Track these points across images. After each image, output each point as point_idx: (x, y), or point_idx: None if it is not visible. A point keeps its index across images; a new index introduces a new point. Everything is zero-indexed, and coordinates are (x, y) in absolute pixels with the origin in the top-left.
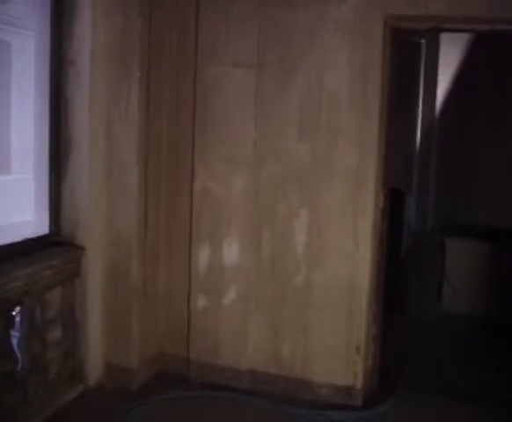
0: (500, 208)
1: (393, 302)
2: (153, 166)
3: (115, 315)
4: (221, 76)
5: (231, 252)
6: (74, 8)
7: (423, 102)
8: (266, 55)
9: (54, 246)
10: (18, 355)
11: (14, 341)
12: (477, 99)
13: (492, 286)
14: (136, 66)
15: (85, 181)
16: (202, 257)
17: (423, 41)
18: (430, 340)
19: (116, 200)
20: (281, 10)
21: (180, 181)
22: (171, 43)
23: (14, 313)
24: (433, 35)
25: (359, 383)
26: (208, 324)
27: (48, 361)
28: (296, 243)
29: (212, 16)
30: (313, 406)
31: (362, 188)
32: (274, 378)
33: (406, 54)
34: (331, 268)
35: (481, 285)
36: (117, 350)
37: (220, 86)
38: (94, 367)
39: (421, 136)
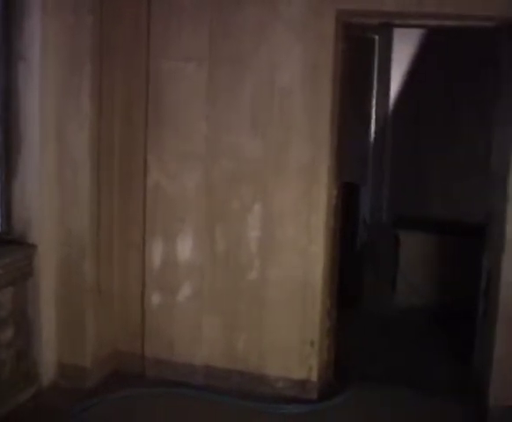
0: (453, 202)
1: (349, 296)
2: (105, 163)
3: (69, 314)
4: (173, 72)
5: (185, 249)
6: (24, 3)
7: (377, 97)
8: (218, 51)
9: (6, 245)
10: None
11: None
12: (429, 95)
13: (444, 277)
14: (88, 62)
15: (36, 178)
16: (156, 254)
17: (377, 37)
18: (385, 333)
19: (68, 198)
20: (233, 5)
21: (133, 178)
22: (124, 39)
23: None
24: (386, 31)
25: (314, 377)
26: (162, 321)
27: (0, 362)
28: (249, 239)
29: (164, 11)
30: (268, 400)
31: (314, 184)
32: (230, 373)
33: (360, 49)
34: (284, 264)
35: (434, 277)
36: (71, 349)
37: (172, 82)
38: (48, 367)
39: (375, 131)
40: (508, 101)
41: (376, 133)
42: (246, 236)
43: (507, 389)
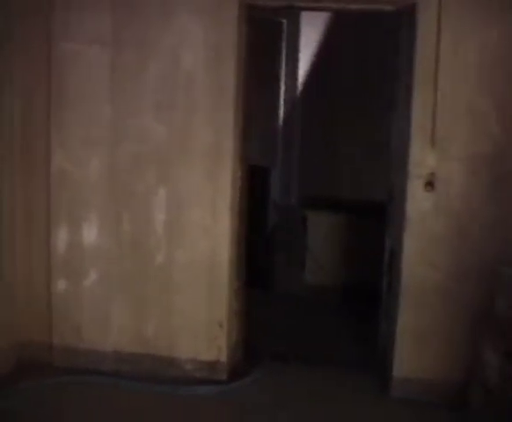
0: (361, 182)
1: (259, 277)
2: (6, 149)
3: None
4: (76, 55)
5: (91, 234)
6: None
7: (286, 80)
8: (122, 34)
9: None
10: None
11: None
12: (338, 78)
13: (352, 256)
14: None
15: None
16: (61, 240)
17: (284, 21)
18: (295, 313)
19: None
20: None
21: (37, 163)
22: (25, 21)
23: None
24: (293, 15)
25: (223, 358)
26: (69, 308)
27: None
28: (155, 222)
29: None
30: (179, 382)
31: (219, 166)
32: (139, 357)
33: (267, 33)
34: (191, 246)
35: (342, 256)
36: None
37: (75, 65)
38: None
39: (285, 114)
40: (406, 84)
41: (285, 116)
42: (153, 219)
43: (409, 360)
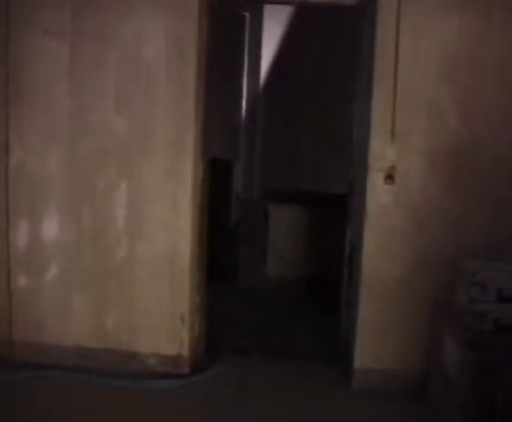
0: (322, 175)
1: (222, 270)
2: None
3: None
4: (34, 47)
5: (51, 228)
6: None
7: (248, 74)
8: (81, 25)
9: None
10: None
11: None
12: (300, 72)
13: (314, 248)
14: None
15: None
16: (21, 234)
17: (247, 14)
18: (258, 306)
19: None
20: None
21: None
22: None
23: None
24: (256, 8)
25: (185, 351)
26: (30, 304)
27: None
28: (116, 217)
29: None
30: (141, 377)
31: (180, 159)
32: (101, 352)
33: (230, 26)
34: (152, 240)
35: (304, 248)
36: None
37: (34, 57)
38: None
39: (247, 108)
40: (366, 78)
41: (247, 109)
42: (113, 213)
43: (370, 351)
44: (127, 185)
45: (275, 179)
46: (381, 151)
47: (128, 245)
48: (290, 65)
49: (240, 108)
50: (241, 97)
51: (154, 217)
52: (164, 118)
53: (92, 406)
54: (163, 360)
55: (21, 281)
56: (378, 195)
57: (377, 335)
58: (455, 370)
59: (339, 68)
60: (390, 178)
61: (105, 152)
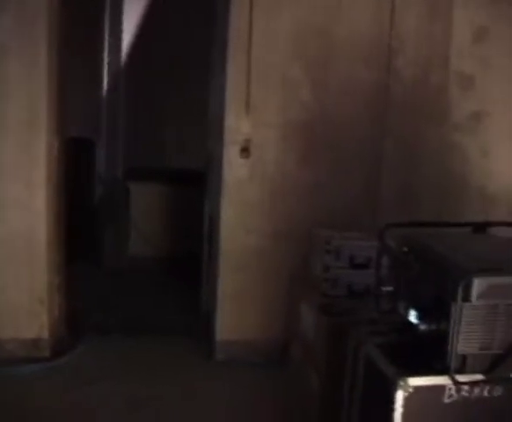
0: (185, 152)
1: (85, 251)
2: None
3: None
4: None
5: None
6: None
7: (109, 51)
8: None
9: None
10: None
11: None
12: (162, 47)
13: (175, 226)
14: None
15: None
16: None
17: None
18: (121, 285)
19: None
20: None
21: None
22: None
23: None
24: None
25: (45, 334)
26: None
27: None
28: None
29: None
30: (0, 364)
31: (34, 138)
32: None
33: (88, 3)
34: (8, 220)
35: (165, 226)
36: None
37: None
38: None
39: (109, 86)
40: (220, 52)
41: (109, 87)
42: None
43: (231, 323)
44: None
45: (139, 157)
46: (236, 125)
47: None
48: (153, 40)
49: (102, 85)
50: (102, 73)
51: (8, 197)
52: (16, 96)
53: None
54: (22, 345)
55: None
56: (235, 169)
57: (238, 306)
58: (311, 334)
59: (201, 42)
60: (245, 151)
61: None
